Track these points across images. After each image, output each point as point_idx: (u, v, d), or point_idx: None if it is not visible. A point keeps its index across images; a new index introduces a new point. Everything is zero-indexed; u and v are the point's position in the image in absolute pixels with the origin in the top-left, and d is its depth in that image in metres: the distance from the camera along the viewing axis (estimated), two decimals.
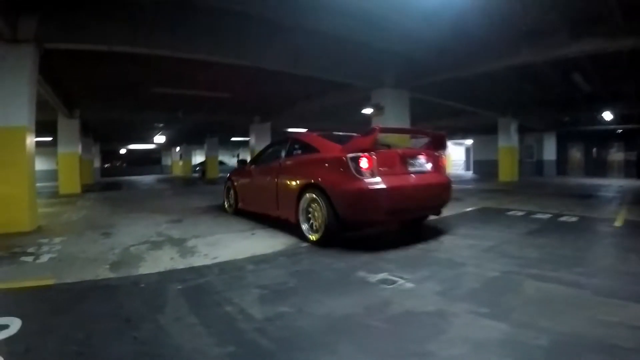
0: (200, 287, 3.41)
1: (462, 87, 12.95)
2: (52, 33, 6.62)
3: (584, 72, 11.36)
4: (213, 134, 26.28)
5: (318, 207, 4.95)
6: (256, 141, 18.99)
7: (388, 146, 5.49)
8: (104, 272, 3.87)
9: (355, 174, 4.58)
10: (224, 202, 8.46)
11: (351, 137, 5.63)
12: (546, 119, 21.04)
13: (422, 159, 5.29)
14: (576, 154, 24.95)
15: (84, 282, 3.57)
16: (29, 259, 4.49)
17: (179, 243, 5.30)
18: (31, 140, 6.62)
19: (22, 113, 6.37)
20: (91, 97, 14.14)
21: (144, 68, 10.31)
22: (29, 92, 6.44)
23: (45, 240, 5.55)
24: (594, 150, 24.26)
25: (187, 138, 30.03)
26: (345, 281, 3.51)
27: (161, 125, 22.29)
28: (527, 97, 15.84)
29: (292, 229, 5.61)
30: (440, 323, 2.56)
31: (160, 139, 25.87)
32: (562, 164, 24.97)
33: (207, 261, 4.28)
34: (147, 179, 28.25)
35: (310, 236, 5.10)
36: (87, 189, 16.22)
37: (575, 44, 7.78)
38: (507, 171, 18.91)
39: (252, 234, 5.97)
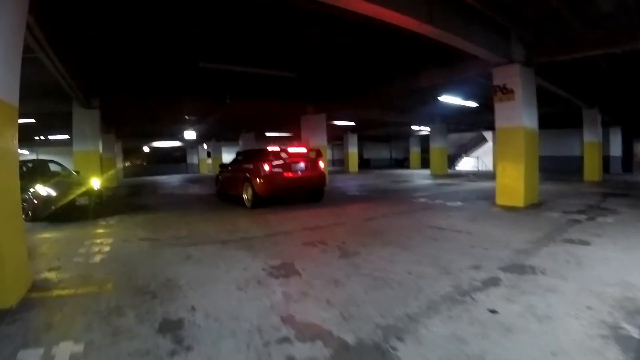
0: None
1: (581, 70, 10.46)
2: None
3: None
4: (250, 128, 23.10)
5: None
6: (310, 136, 15.64)
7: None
8: None
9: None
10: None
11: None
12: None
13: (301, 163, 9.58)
14: None
15: None
16: None
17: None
18: None
19: None
20: (116, 79, 11.00)
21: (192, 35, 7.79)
22: None
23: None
24: None
25: (218, 133, 26.95)
26: None
27: (194, 118, 19.11)
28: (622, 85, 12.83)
29: None
30: None
31: (190, 134, 22.82)
32: (627, 160, 22.49)
33: None
34: (174, 179, 25.26)
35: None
36: (111, 194, 13.01)
37: None
38: (593, 169, 16.52)
39: None
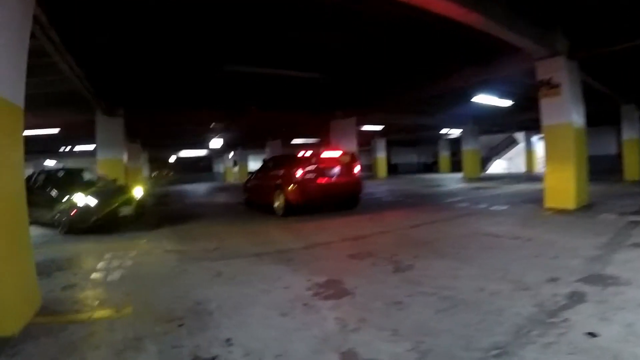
0: None
1: (621, 63, 9.59)
2: None
3: None
4: (276, 135, 22.65)
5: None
6: (340, 141, 15.01)
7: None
8: None
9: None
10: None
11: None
12: None
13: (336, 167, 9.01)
14: None
15: None
16: None
17: None
18: None
19: None
20: (139, 88, 10.70)
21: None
22: None
23: None
24: None
25: (244, 141, 26.64)
26: None
27: (219, 126, 18.76)
28: None
29: None
30: None
31: (216, 143, 22.54)
32: None
33: None
34: (201, 188, 24.95)
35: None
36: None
37: None
38: (633, 167, 15.41)
39: None
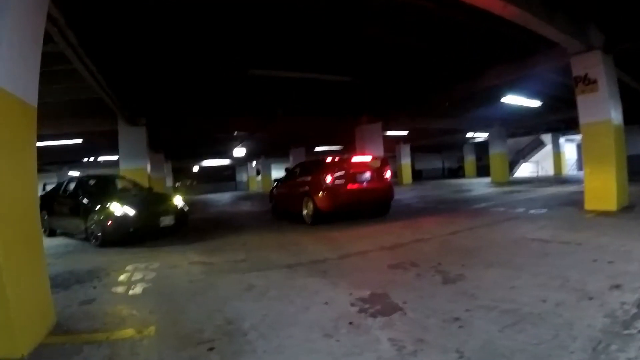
0: None
1: None
2: None
3: None
4: (299, 143, 22.37)
5: None
6: (366, 147, 14.60)
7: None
8: None
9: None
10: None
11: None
12: None
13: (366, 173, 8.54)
14: None
15: None
16: None
17: None
18: None
19: None
20: (162, 97, 10.58)
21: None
22: None
23: None
24: None
25: (267, 150, 26.46)
26: None
27: (243, 134, 18.58)
28: None
29: None
30: None
31: (240, 151, 22.40)
32: None
33: None
34: (225, 197, 24.83)
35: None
36: None
37: None
38: None
39: None
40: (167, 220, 7.23)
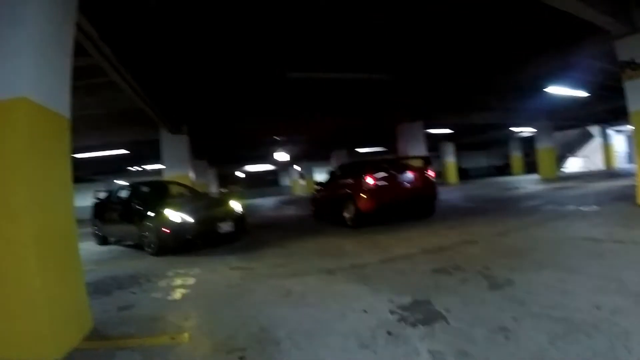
0: None
1: None
2: None
3: None
4: (341, 145, 22.24)
5: None
6: (407, 146, 14.31)
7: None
8: None
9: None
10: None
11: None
12: None
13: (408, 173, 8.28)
14: None
15: None
16: None
17: None
18: None
19: None
20: (203, 105, 10.85)
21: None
22: None
23: None
24: None
25: (309, 153, 26.54)
26: None
27: (284, 138, 18.71)
28: None
29: None
30: None
31: (282, 156, 22.61)
32: None
33: None
34: (269, 201, 25.12)
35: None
36: None
37: None
38: None
39: None
40: (226, 227, 6.93)
